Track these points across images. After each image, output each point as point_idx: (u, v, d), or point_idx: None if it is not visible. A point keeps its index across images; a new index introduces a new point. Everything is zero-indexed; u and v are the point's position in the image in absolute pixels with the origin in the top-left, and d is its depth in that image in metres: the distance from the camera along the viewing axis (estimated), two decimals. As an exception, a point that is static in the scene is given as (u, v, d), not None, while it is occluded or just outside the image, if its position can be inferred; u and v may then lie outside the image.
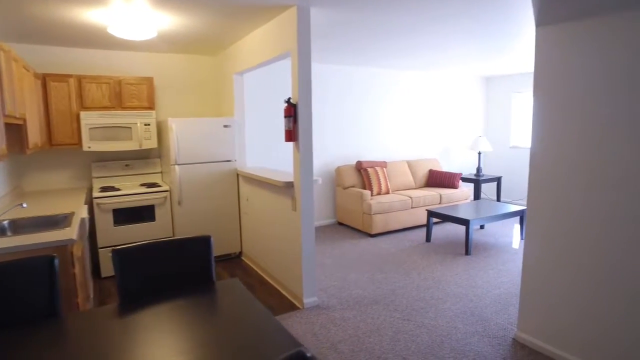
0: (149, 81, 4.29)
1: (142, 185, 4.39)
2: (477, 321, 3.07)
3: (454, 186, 6.23)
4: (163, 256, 1.95)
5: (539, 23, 2.47)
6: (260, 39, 3.70)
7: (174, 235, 4.29)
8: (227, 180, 4.46)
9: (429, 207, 5.74)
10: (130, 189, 4.14)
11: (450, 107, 7.26)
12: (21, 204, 2.74)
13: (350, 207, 5.66)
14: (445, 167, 7.35)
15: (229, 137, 4.39)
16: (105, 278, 4.01)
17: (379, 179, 5.72)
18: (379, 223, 5.34)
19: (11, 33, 3.58)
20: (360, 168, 5.77)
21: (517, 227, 5.75)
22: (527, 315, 2.71)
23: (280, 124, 5.46)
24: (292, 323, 3.07)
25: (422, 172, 6.49)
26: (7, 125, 3.04)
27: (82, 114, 3.93)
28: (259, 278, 4.04)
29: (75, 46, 4.17)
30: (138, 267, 1.88)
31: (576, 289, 2.41)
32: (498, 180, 6.79)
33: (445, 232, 5.53)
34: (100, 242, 3.95)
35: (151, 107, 4.33)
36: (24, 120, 2.96)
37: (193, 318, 1.59)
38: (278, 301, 3.49)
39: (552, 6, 2.30)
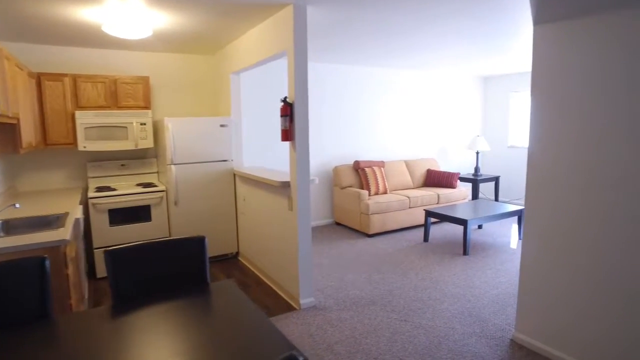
0: (145, 80, 4.26)
1: (138, 185, 4.36)
2: (475, 322, 3.05)
3: (451, 186, 6.22)
4: (156, 257, 1.93)
5: (537, 21, 2.45)
6: (257, 38, 3.68)
7: (170, 236, 4.26)
8: (224, 180, 4.43)
9: (426, 207, 5.73)
10: (126, 189, 4.11)
11: (448, 107, 7.24)
12: (14, 204, 2.71)
13: (348, 207, 5.64)
14: (443, 166, 7.34)
15: (225, 137, 4.37)
16: (101, 279, 3.98)
17: (376, 179, 5.70)
18: (376, 223, 5.33)
19: (6, 32, 3.55)
20: (358, 168, 5.75)
21: (515, 227, 5.75)
22: (525, 316, 2.69)
23: (277, 123, 5.44)
24: (288, 324, 3.05)
25: (420, 172, 6.48)
26: (0, 125, 3.01)
27: (78, 113, 3.90)
28: (256, 278, 4.02)
29: (71, 45, 4.13)
30: (131, 268, 1.85)
31: (574, 289, 2.40)
32: (496, 180, 6.78)
33: (443, 232, 5.52)
34: (96, 242, 3.92)
35: (147, 107, 4.30)
36: (17, 119, 2.93)
37: (186, 320, 1.57)
38: (274, 302, 3.46)
39: (550, 4, 2.29)
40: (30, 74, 3.59)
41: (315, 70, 5.77)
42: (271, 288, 3.77)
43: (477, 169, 6.85)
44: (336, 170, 5.81)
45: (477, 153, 6.88)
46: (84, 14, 3.10)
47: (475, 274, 4.00)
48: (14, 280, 1.63)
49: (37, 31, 3.55)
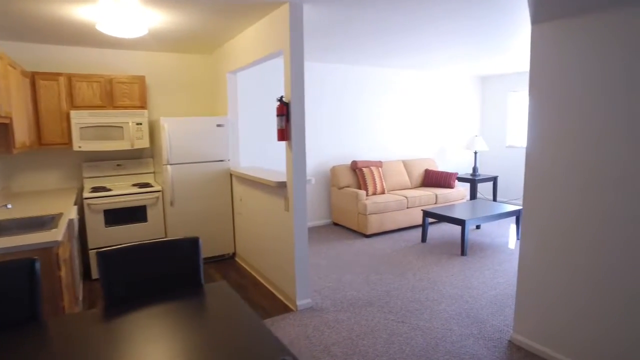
0: (140, 80, 4.23)
1: (134, 185, 4.33)
2: (473, 323, 3.03)
3: (449, 186, 6.20)
4: (149, 258, 1.90)
5: (535, 20, 2.43)
6: (253, 37, 3.65)
7: (166, 236, 4.22)
8: (220, 180, 4.40)
9: (424, 207, 5.71)
10: (121, 189, 4.07)
11: (446, 107, 7.23)
12: (6, 205, 2.67)
13: (346, 207, 5.61)
14: (441, 166, 7.32)
15: (222, 137, 4.34)
16: (96, 280, 3.94)
17: (374, 179, 5.67)
18: (374, 223, 5.30)
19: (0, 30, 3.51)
20: (356, 168, 5.72)
21: (513, 227, 5.73)
22: (523, 317, 2.67)
23: (274, 123, 5.41)
24: (284, 325, 3.02)
25: (418, 172, 6.46)
26: (-7, 124, 2.98)
27: (73, 113, 3.86)
28: (252, 279, 3.99)
29: (66, 44, 4.10)
30: (123, 269, 1.82)
31: (573, 290, 2.38)
32: (494, 180, 6.77)
33: (441, 233, 5.50)
34: (91, 243, 3.88)
35: (143, 106, 4.27)
36: (10, 119, 2.89)
37: (179, 322, 1.54)
38: (271, 303, 3.44)
39: (548, 3, 2.27)
40: (24, 73, 3.55)
41: (314, 70, 5.74)
42: (268, 289, 3.74)
43: (475, 169, 6.84)
44: (334, 170, 5.79)
45: (475, 153, 6.87)
46: (78, 13, 3.06)
47: (473, 274, 3.98)
48: (2, 282, 1.60)
49: (31, 30, 3.52)
